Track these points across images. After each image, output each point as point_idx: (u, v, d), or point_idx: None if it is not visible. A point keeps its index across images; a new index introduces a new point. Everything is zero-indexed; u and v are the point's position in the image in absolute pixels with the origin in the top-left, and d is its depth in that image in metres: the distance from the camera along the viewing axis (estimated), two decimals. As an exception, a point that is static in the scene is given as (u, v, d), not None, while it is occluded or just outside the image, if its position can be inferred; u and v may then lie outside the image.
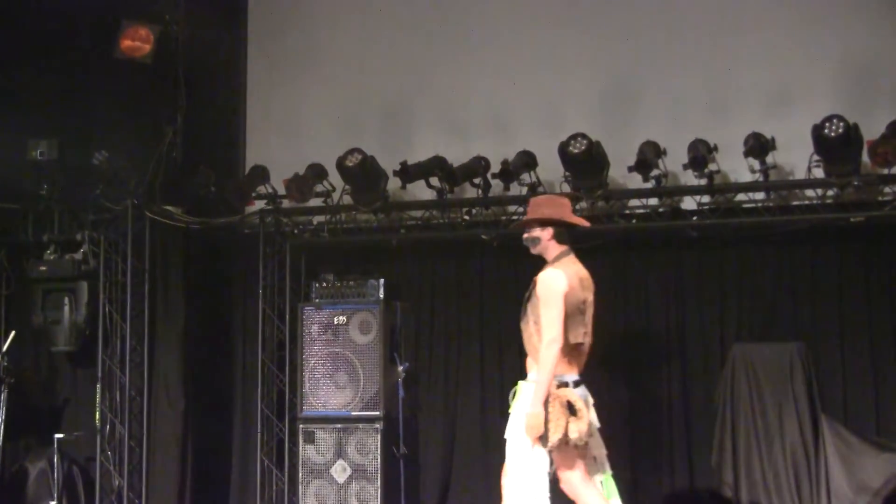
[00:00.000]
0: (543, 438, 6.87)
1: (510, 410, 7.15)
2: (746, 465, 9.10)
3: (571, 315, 7.10)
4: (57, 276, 10.47)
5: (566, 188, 9.52)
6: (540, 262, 7.39)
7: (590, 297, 7.31)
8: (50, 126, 10.10)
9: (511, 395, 7.18)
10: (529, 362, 7.26)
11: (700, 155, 9.09)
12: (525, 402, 7.01)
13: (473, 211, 9.95)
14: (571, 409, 6.90)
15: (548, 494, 6.95)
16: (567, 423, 6.86)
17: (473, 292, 10.28)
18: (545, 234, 7.29)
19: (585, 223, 7.58)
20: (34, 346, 10.80)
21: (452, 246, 10.20)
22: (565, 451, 6.98)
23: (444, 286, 10.38)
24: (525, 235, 7.36)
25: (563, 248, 7.32)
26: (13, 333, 10.17)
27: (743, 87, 9.50)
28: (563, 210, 7.37)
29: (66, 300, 10.49)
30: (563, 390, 6.97)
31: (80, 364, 10.72)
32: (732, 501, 9.05)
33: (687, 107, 9.55)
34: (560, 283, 7.10)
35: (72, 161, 10.13)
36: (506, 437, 7.11)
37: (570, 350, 7.09)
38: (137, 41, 9.96)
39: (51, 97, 9.96)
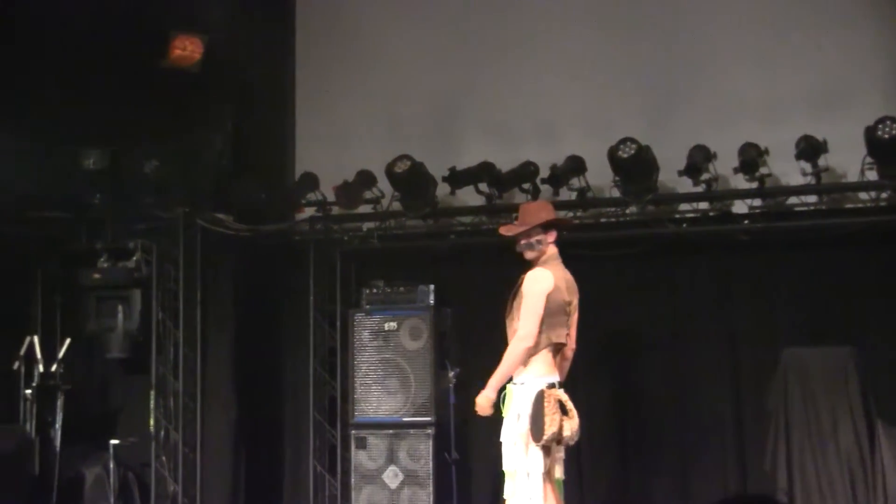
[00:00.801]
0: (538, 433, 6.90)
1: (503, 415, 7.13)
2: (801, 470, 9.01)
3: (555, 314, 7.16)
4: (110, 284, 10.56)
5: (615, 193, 9.50)
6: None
7: (574, 301, 7.32)
8: (101, 136, 10.17)
9: (500, 400, 7.16)
10: None
11: (751, 158, 9.03)
12: (517, 405, 7.06)
13: (522, 216, 9.92)
14: (563, 409, 6.96)
15: (542, 494, 6.99)
16: (561, 420, 6.92)
17: (521, 297, 10.25)
18: (549, 237, 7.34)
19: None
20: (89, 354, 10.89)
21: (501, 251, 10.15)
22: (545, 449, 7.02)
23: (494, 291, 10.31)
24: (524, 241, 7.35)
25: (555, 251, 7.38)
26: (68, 341, 10.28)
27: (793, 89, 9.42)
28: (553, 215, 7.50)
29: (120, 308, 10.56)
30: (555, 390, 7.03)
31: (134, 371, 10.78)
32: (786, 506, 9.00)
33: (737, 110, 9.48)
34: (546, 281, 7.19)
35: (123, 170, 10.21)
36: (501, 440, 7.12)
37: (553, 351, 7.16)
38: (186, 50, 10.02)
39: (102, 107, 10.01)
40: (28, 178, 9.93)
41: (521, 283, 7.30)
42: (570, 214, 9.80)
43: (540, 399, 6.94)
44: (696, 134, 9.32)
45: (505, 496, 7.11)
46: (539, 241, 7.30)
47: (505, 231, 7.52)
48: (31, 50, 9.78)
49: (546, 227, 7.33)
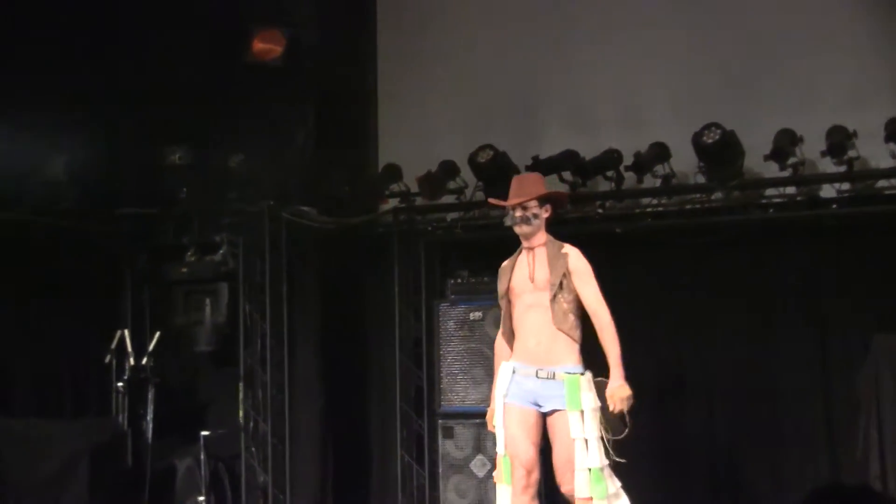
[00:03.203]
0: (620, 427, 6.77)
1: (569, 409, 6.72)
2: (894, 457, 8.90)
3: None
4: (197, 279, 10.68)
5: (700, 179, 9.42)
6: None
7: None
8: (187, 131, 10.27)
9: (567, 388, 6.74)
10: (555, 347, 6.88)
11: (838, 141, 8.91)
12: (590, 396, 6.74)
13: (606, 204, 9.88)
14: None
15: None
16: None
17: (606, 286, 10.18)
18: (544, 212, 7.04)
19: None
20: (178, 347, 11.01)
21: (585, 240, 10.08)
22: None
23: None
24: (521, 213, 6.98)
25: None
26: (158, 335, 10.42)
27: (881, 71, 9.25)
28: (546, 189, 7.19)
29: (207, 301, 10.68)
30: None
31: (222, 363, 10.89)
32: (882, 493, 8.86)
33: (823, 93, 9.34)
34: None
35: (209, 165, 10.31)
36: (573, 436, 6.71)
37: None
38: (269, 44, 10.08)
39: (187, 103, 10.11)
40: (116, 175, 10.06)
41: (565, 257, 6.96)
42: (655, 202, 9.75)
43: (604, 391, 6.79)
44: (781, 118, 9.21)
45: (592, 496, 6.69)
46: (536, 216, 6.98)
47: (497, 201, 7.24)
48: (117, 48, 9.90)
49: (543, 201, 7.03)
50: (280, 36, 10.00)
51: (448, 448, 10.04)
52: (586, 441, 6.70)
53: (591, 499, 6.67)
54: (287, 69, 10.07)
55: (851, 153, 8.98)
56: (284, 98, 10.31)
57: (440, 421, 10.10)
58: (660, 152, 9.48)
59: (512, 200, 7.01)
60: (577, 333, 6.89)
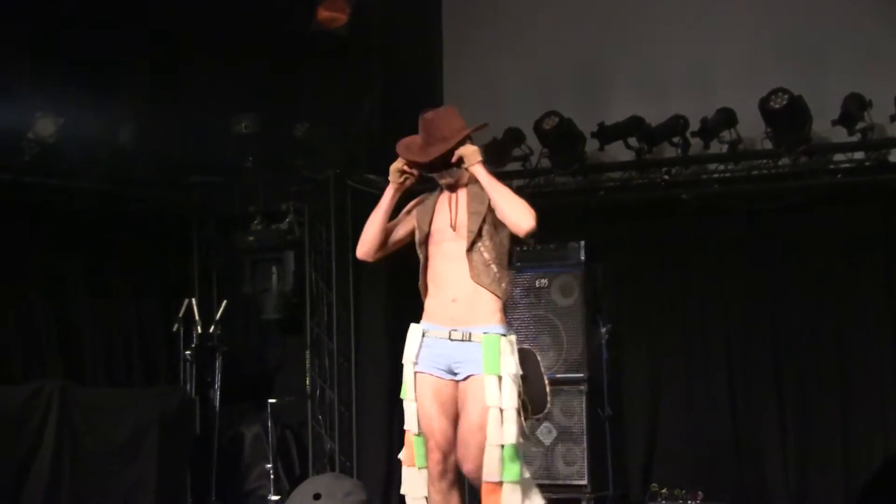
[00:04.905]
0: (542, 402, 5.93)
1: (485, 372, 5.75)
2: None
3: None
4: (264, 247, 10.73)
5: (767, 145, 9.33)
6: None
7: None
8: (253, 100, 10.31)
9: (485, 348, 5.76)
10: (475, 305, 5.86)
11: (908, 105, 8.81)
12: (511, 361, 5.76)
13: (673, 171, 9.81)
14: None
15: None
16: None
17: (673, 252, 10.17)
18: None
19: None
20: (245, 315, 11.09)
21: (652, 206, 10.08)
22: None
23: (644, 247, 10.27)
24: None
25: None
26: (225, 303, 10.50)
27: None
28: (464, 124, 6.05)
29: (274, 270, 10.74)
30: None
31: (289, 331, 10.96)
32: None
33: (891, 57, 9.19)
34: None
35: (275, 134, 10.33)
36: (489, 403, 5.72)
37: None
38: (334, 12, 10.07)
39: (252, 72, 10.15)
40: (183, 144, 10.12)
41: (473, 197, 5.93)
42: (721, 168, 9.68)
43: (536, 361, 5.97)
44: (850, 82, 9.09)
45: (503, 479, 5.71)
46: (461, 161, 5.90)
47: (419, 156, 5.97)
48: (182, 17, 9.93)
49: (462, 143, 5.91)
50: (344, 4, 10.00)
51: (514, 415, 10.02)
52: (502, 412, 5.73)
53: (501, 483, 5.70)
54: (352, 37, 10.07)
55: (922, 117, 8.87)
56: (350, 66, 10.32)
57: (506, 388, 10.08)
58: (727, 118, 9.40)
59: (423, 156, 5.96)
60: (500, 289, 5.86)
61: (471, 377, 5.80)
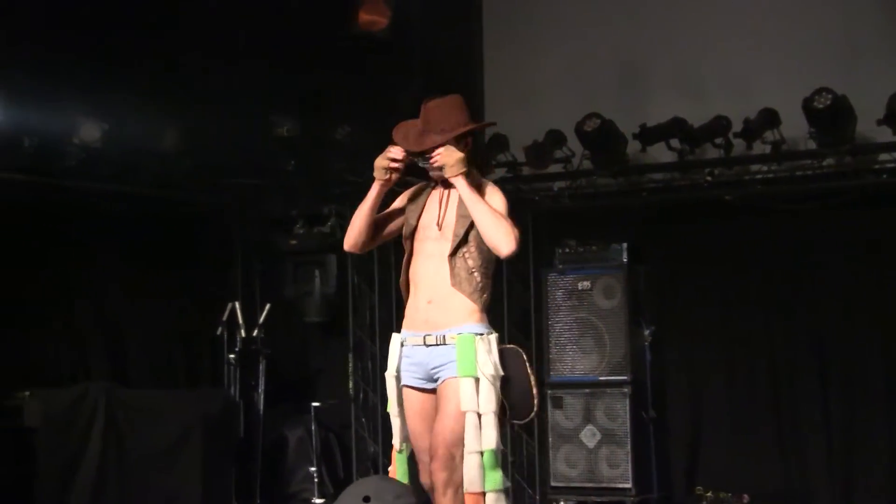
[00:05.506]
0: (526, 408, 5.63)
1: (460, 374, 5.40)
2: None
3: None
4: (306, 250, 10.74)
5: (811, 145, 9.28)
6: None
7: None
8: (294, 103, 10.33)
9: (459, 349, 5.43)
10: (450, 308, 5.51)
11: (954, 104, 8.74)
12: (489, 362, 5.42)
13: (715, 172, 9.77)
14: None
15: None
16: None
17: (716, 254, 10.12)
18: (462, 146, 5.59)
19: None
20: (287, 319, 11.11)
21: (694, 207, 10.05)
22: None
23: (687, 248, 10.23)
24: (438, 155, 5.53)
25: None
26: (268, 306, 10.51)
27: None
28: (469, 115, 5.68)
29: (316, 273, 10.76)
30: None
31: (332, 334, 10.98)
32: None
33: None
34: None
35: (316, 136, 10.35)
36: (464, 408, 5.36)
37: None
38: (374, 15, 10.08)
39: (293, 75, 10.16)
40: (224, 147, 10.15)
41: (449, 194, 5.60)
42: (765, 168, 9.63)
43: (523, 361, 5.63)
44: (894, 80, 9.03)
45: (486, 489, 5.40)
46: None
47: (412, 145, 5.57)
48: (223, 20, 9.97)
49: (461, 137, 5.58)
50: (385, 6, 10.01)
51: (557, 418, 10.03)
52: (480, 417, 5.37)
53: (484, 494, 5.38)
54: (393, 39, 10.08)
55: (967, 116, 8.80)
56: (390, 68, 10.32)
57: (549, 391, 10.06)
58: (770, 118, 9.36)
59: (416, 145, 5.58)
60: (480, 299, 5.52)
61: (446, 380, 5.44)
